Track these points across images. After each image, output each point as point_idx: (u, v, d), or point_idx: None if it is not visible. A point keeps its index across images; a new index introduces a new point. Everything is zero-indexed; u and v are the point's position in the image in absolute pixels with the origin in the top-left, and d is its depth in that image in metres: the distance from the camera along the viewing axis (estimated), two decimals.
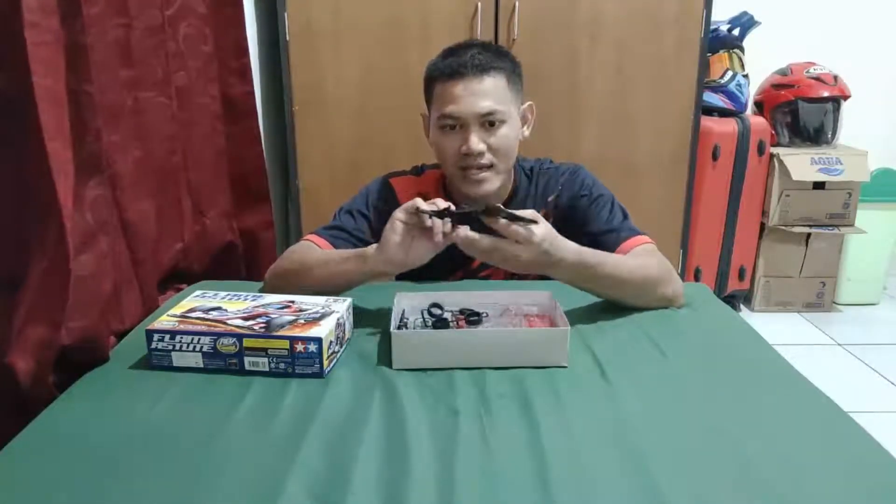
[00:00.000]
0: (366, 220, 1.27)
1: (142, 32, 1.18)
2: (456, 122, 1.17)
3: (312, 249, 1.19)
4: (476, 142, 1.16)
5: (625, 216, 1.25)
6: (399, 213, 1.00)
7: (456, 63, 1.17)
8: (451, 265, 1.29)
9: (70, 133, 0.89)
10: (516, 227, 0.96)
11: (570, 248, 1.03)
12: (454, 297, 1.07)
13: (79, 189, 0.93)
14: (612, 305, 1.14)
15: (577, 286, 1.10)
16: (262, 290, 1.14)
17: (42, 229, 0.87)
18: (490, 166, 1.19)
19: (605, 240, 1.19)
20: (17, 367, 0.85)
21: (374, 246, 1.04)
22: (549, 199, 1.30)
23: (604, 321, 1.08)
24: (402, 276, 1.33)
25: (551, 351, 0.94)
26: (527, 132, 1.26)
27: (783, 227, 2.69)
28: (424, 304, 1.05)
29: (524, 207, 1.27)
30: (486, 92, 1.16)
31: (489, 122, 1.17)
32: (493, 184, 1.21)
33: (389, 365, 0.93)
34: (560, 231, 1.28)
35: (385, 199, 1.28)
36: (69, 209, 0.87)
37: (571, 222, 1.26)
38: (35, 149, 0.85)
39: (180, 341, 0.92)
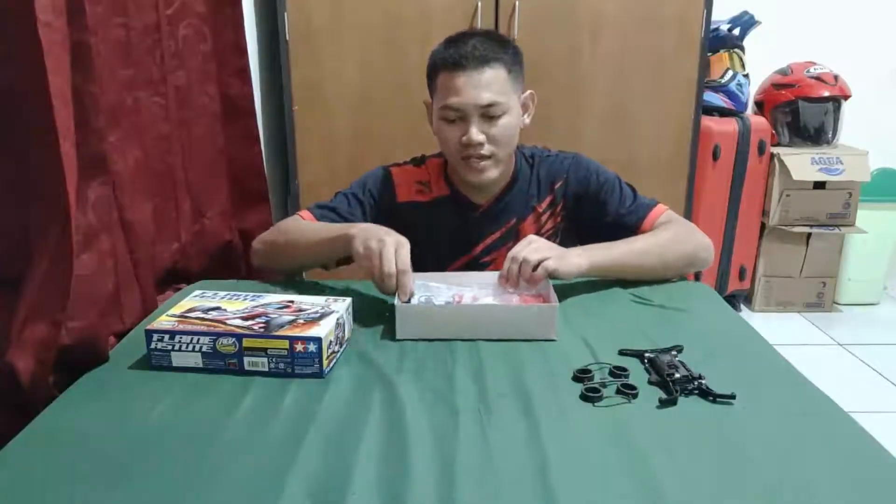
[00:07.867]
0: (360, 205, 1.31)
1: (139, 32, 1.18)
2: (457, 113, 1.20)
3: (299, 222, 1.26)
4: (476, 133, 1.19)
5: (634, 193, 1.31)
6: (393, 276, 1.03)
7: (457, 54, 1.18)
8: (452, 253, 1.34)
9: (75, 132, 0.89)
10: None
11: (580, 264, 1.12)
12: (453, 279, 1.13)
13: (82, 189, 0.93)
14: (612, 304, 1.15)
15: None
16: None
17: (45, 228, 0.87)
18: (489, 156, 1.22)
19: (624, 223, 1.26)
20: (17, 366, 0.85)
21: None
22: (556, 185, 1.33)
23: (604, 321, 1.09)
24: None
25: (541, 325, 1.00)
26: (527, 120, 1.28)
27: (783, 227, 2.69)
28: (424, 289, 1.10)
29: (526, 193, 1.33)
30: (486, 84, 1.17)
31: (489, 114, 1.19)
32: (492, 172, 1.25)
33: (390, 366, 0.93)
34: (573, 218, 1.33)
35: (383, 188, 1.33)
36: (74, 209, 0.87)
37: (582, 210, 1.32)
38: (42, 147, 0.85)
39: (179, 341, 0.92)
